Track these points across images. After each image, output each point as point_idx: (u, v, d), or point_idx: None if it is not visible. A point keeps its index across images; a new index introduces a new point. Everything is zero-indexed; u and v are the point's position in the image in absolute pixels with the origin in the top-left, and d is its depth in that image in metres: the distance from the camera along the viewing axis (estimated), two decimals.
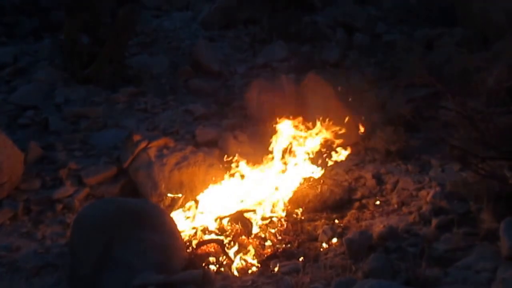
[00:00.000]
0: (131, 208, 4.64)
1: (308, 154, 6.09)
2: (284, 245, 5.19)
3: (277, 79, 7.94)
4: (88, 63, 8.36)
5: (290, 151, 6.10)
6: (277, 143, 6.13)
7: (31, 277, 4.68)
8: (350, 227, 5.45)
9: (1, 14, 10.18)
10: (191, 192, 6.05)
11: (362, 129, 6.55)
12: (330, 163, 6.22)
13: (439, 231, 5.04)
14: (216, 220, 5.37)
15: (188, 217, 5.53)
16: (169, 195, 6.11)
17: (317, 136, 6.12)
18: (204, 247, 5.01)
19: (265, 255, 5.03)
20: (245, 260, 4.96)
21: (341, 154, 6.23)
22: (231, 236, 5.18)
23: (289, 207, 5.77)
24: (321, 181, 6.01)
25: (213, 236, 5.16)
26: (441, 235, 4.97)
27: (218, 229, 5.27)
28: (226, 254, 4.96)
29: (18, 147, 6.27)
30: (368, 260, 4.48)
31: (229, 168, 6.16)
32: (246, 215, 5.39)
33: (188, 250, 4.89)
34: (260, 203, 5.67)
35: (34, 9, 10.36)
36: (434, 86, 5.79)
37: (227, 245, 5.06)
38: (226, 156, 6.36)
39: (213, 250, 5.01)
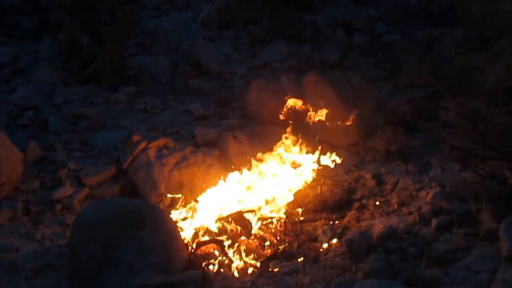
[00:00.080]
0: (131, 209, 4.63)
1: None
2: (284, 246, 5.18)
3: (277, 79, 7.93)
4: (88, 63, 8.36)
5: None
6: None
7: (31, 278, 4.67)
8: (350, 228, 5.44)
9: (0, 14, 10.18)
10: (190, 193, 6.05)
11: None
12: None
13: (439, 232, 5.03)
14: (216, 220, 5.36)
15: (188, 217, 5.52)
16: (168, 195, 6.11)
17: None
18: (203, 248, 5.00)
19: (265, 256, 5.02)
20: (244, 261, 4.95)
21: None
22: (231, 237, 5.17)
23: (288, 207, 5.76)
24: (321, 181, 6.00)
25: (213, 237, 5.16)
26: (441, 236, 4.97)
27: (218, 229, 5.26)
28: (226, 255, 4.95)
29: (18, 148, 6.27)
30: (368, 260, 4.48)
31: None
32: (246, 215, 5.39)
33: (187, 251, 4.89)
34: (259, 204, 5.66)
35: (34, 9, 10.36)
36: (434, 86, 5.80)
37: (226, 245, 5.05)
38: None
39: (212, 250, 5.01)
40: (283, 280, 4.44)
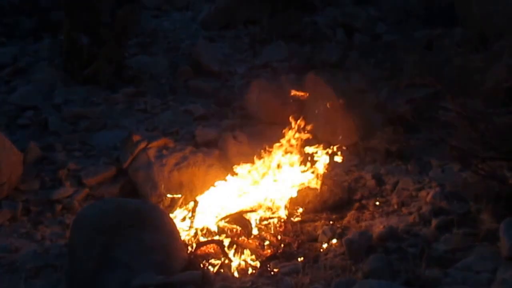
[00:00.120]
0: (131, 209, 4.63)
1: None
2: (283, 246, 5.18)
3: (277, 79, 7.93)
4: (88, 63, 8.36)
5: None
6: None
7: (30, 278, 4.67)
8: (350, 228, 5.44)
9: (0, 14, 10.18)
10: (190, 193, 6.05)
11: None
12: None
13: (439, 232, 5.03)
14: (215, 221, 5.36)
15: (187, 218, 5.52)
16: (168, 195, 6.11)
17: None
18: (203, 248, 5.00)
19: (265, 256, 5.02)
20: (244, 261, 4.95)
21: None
22: (231, 237, 5.17)
23: (288, 207, 5.76)
24: (321, 181, 6.00)
25: (212, 237, 5.16)
26: (441, 236, 4.97)
27: (218, 229, 5.26)
28: (226, 255, 4.95)
29: (18, 148, 6.27)
30: (368, 260, 4.48)
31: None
32: (246, 215, 5.39)
33: (187, 251, 4.89)
34: (259, 204, 5.66)
35: (34, 9, 10.36)
36: (434, 86, 5.79)
37: (226, 246, 5.05)
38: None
39: (212, 250, 5.01)
40: (283, 280, 4.44)
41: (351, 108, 6.93)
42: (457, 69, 5.53)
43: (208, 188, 5.95)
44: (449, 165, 6.16)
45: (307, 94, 6.42)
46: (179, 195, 6.03)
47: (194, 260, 4.79)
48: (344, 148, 6.32)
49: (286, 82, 7.78)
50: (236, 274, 4.79)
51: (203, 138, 7.11)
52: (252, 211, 5.49)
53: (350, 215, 5.67)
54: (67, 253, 4.75)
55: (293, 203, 5.81)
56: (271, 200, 5.71)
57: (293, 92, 6.45)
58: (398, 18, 10.44)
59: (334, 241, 5.19)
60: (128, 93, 8.20)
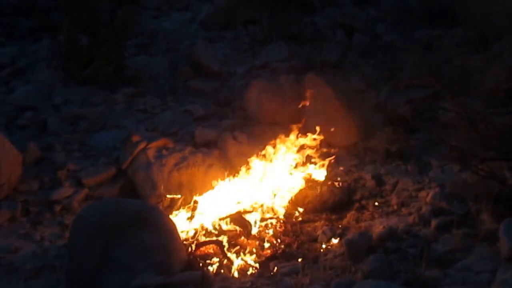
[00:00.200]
0: (130, 209, 4.63)
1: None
2: (283, 246, 5.18)
3: (277, 79, 7.92)
4: (87, 63, 8.35)
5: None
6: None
7: (30, 279, 4.67)
8: (349, 228, 5.43)
9: None
10: (190, 193, 6.04)
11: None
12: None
13: (439, 232, 5.02)
14: (215, 221, 5.36)
15: (187, 218, 5.52)
16: (168, 196, 6.11)
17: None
18: (203, 248, 5.01)
19: (265, 256, 5.02)
20: (244, 261, 4.95)
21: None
22: (231, 237, 5.16)
23: (288, 208, 5.76)
24: (321, 182, 6.00)
25: (212, 237, 5.15)
26: (440, 236, 4.96)
27: (218, 230, 5.26)
28: (225, 255, 4.95)
29: (17, 148, 6.26)
30: (368, 261, 4.47)
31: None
32: (246, 216, 5.38)
33: (187, 251, 4.88)
34: (259, 204, 5.66)
35: (33, 10, 10.35)
36: (434, 86, 5.78)
37: (226, 246, 5.05)
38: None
39: (212, 251, 5.01)
40: (282, 280, 4.44)
41: (351, 109, 6.93)
42: (457, 69, 5.52)
43: (207, 189, 5.95)
44: (449, 166, 6.16)
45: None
46: (179, 196, 6.03)
47: (194, 261, 4.79)
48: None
49: (286, 82, 7.78)
50: (235, 275, 4.79)
51: (202, 138, 7.10)
52: (252, 211, 5.48)
53: (350, 216, 5.66)
54: (66, 253, 4.75)
55: (293, 204, 5.81)
56: (271, 200, 5.71)
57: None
58: (397, 19, 10.42)
59: (334, 241, 5.19)
60: (127, 94, 8.20)
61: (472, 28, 7.83)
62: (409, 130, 6.73)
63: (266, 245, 5.18)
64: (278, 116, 6.79)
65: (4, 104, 7.80)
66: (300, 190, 5.89)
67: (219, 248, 5.00)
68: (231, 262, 4.91)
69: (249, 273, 4.81)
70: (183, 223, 5.40)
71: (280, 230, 5.42)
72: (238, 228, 5.24)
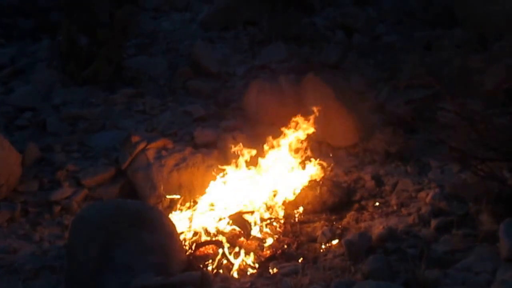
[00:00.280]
0: (130, 210, 4.62)
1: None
2: (283, 247, 5.17)
3: (276, 80, 7.92)
4: (87, 64, 8.35)
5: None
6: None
7: (29, 279, 4.66)
8: (349, 229, 5.44)
9: None
10: (189, 194, 6.04)
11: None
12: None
13: (439, 233, 5.03)
14: (215, 221, 5.36)
15: (186, 218, 5.51)
16: (167, 196, 6.10)
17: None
18: (202, 249, 5.00)
19: (264, 257, 5.02)
20: (244, 262, 4.95)
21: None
22: (230, 238, 5.16)
23: (288, 208, 5.76)
24: (321, 182, 5.99)
25: (212, 238, 5.15)
26: (440, 237, 4.96)
27: (217, 230, 5.25)
28: (225, 256, 4.94)
29: (16, 149, 6.26)
30: (367, 261, 4.47)
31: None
32: (245, 216, 5.38)
33: (187, 252, 4.88)
34: (259, 205, 5.65)
35: (33, 10, 10.35)
36: (433, 87, 5.78)
37: (226, 246, 5.04)
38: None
39: (211, 251, 5.00)
40: (282, 281, 4.43)
41: (350, 109, 6.93)
42: (456, 70, 5.54)
43: (207, 189, 5.94)
44: (449, 166, 6.16)
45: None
46: (178, 196, 6.02)
47: (193, 261, 4.79)
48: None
49: (285, 83, 7.78)
50: (235, 275, 4.78)
51: (202, 139, 7.10)
52: (251, 212, 5.48)
53: (350, 216, 5.66)
54: (66, 254, 4.74)
55: (292, 204, 5.81)
56: (271, 200, 5.71)
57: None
58: (397, 19, 10.43)
59: (334, 242, 5.19)
60: (127, 94, 8.19)
61: (472, 28, 7.84)
62: (408, 130, 6.74)
63: (266, 245, 5.17)
64: (277, 116, 6.77)
65: (4, 105, 7.79)
66: (300, 191, 5.88)
67: (219, 248, 4.99)
68: (230, 262, 4.91)
69: (248, 273, 4.81)
70: (183, 224, 5.39)
71: (280, 230, 5.42)
72: (237, 229, 5.23)
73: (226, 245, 5.05)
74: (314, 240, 5.29)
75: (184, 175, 6.36)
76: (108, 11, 8.71)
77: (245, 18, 10.54)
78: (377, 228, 5.22)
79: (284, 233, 5.39)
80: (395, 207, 5.75)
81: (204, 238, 5.16)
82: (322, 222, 5.61)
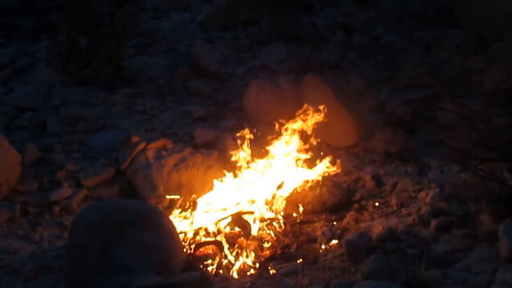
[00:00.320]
0: (130, 210, 4.62)
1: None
2: (283, 247, 5.17)
3: (276, 80, 7.92)
4: (87, 64, 8.34)
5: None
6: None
7: (29, 280, 4.65)
8: (349, 229, 5.43)
9: None
10: (189, 194, 6.03)
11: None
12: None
13: (438, 233, 5.02)
14: (214, 222, 5.35)
15: (186, 219, 5.51)
16: (167, 196, 6.10)
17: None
18: (202, 249, 5.00)
19: (264, 257, 5.01)
20: (243, 262, 4.94)
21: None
22: (230, 238, 5.16)
23: (288, 208, 5.75)
24: (320, 182, 5.99)
25: (211, 238, 5.15)
26: (440, 237, 4.96)
27: (217, 230, 5.25)
28: (225, 256, 4.94)
29: (16, 149, 6.25)
30: (367, 261, 4.47)
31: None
32: (245, 216, 5.38)
33: (186, 252, 4.87)
34: (259, 205, 5.65)
35: (33, 10, 10.34)
36: (433, 87, 5.78)
37: (225, 246, 5.04)
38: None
39: (211, 251, 5.00)
40: (282, 281, 4.43)
41: (350, 109, 6.93)
42: (456, 70, 5.54)
43: (207, 189, 5.94)
44: (449, 166, 6.16)
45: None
46: (178, 196, 6.02)
47: (193, 261, 4.78)
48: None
49: (285, 83, 7.78)
50: (235, 275, 4.78)
51: (202, 139, 7.10)
52: (251, 212, 5.48)
53: (349, 216, 5.66)
54: (65, 254, 4.73)
55: (292, 204, 5.80)
56: (270, 200, 5.70)
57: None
58: (397, 19, 10.44)
59: (333, 242, 5.18)
60: (127, 94, 8.19)
61: (472, 28, 7.85)
62: (408, 130, 6.74)
63: (266, 245, 5.17)
64: (277, 117, 6.77)
65: (3, 105, 7.79)
66: (300, 191, 5.88)
67: (218, 248, 4.99)
68: (230, 262, 4.90)
69: (248, 273, 4.80)
70: (183, 224, 5.39)
71: (280, 230, 5.42)
72: (237, 229, 5.23)
73: (226, 245, 5.05)
74: (314, 240, 5.29)
75: (184, 175, 6.36)
76: (108, 11, 8.70)
77: (245, 18, 10.53)
78: (377, 228, 5.22)
79: (284, 233, 5.39)
80: (395, 207, 5.75)
81: (204, 238, 5.15)
82: (322, 222, 5.61)
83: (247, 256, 4.99)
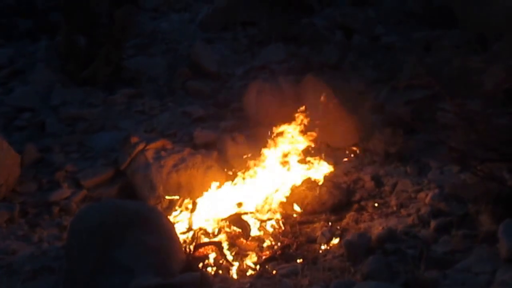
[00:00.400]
0: (129, 210, 4.61)
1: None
2: (282, 247, 5.16)
3: (276, 81, 7.92)
4: (86, 64, 8.34)
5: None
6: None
7: (28, 280, 4.65)
8: (348, 229, 5.43)
9: None
10: (189, 194, 6.03)
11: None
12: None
13: (438, 233, 5.02)
14: (214, 222, 5.35)
15: (186, 219, 5.50)
16: (167, 197, 6.09)
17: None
18: (202, 250, 4.99)
19: (264, 257, 5.01)
20: (243, 263, 4.94)
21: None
22: (229, 238, 5.15)
23: (287, 209, 5.75)
24: (320, 183, 5.99)
25: (211, 238, 5.14)
26: (440, 237, 4.96)
27: (217, 231, 5.24)
28: (224, 257, 4.94)
29: (15, 150, 6.26)
30: (367, 262, 4.46)
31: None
32: (245, 217, 5.37)
33: (186, 253, 4.87)
34: (258, 206, 5.65)
35: (32, 10, 10.34)
36: (433, 87, 5.77)
37: (225, 247, 5.04)
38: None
39: (211, 252, 4.99)
40: (281, 281, 4.43)
41: (350, 110, 6.92)
42: (456, 70, 5.52)
43: (206, 190, 5.94)
44: (448, 167, 6.15)
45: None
46: (178, 197, 6.01)
47: (193, 262, 4.78)
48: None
49: (284, 83, 7.77)
50: (234, 276, 4.78)
51: (201, 139, 7.10)
52: (251, 212, 5.47)
53: (349, 217, 5.66)
54: (64, 255, 4.72)
55: (292, 205, 5.80)
56: (270, 201, 5.70)
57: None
58: (397, 19, 10.42)
59: (333, 242, 5.18)
60: (126, 95, 8.19)
61: (471, 28, 7.84)
62: (408, 131, 6.73)
63: (265, 246, 5.16)
64: (277, 117, 6.77)
65: (2, 105, 7.79)
66: (299, 191, 5.87)
67: (218, 249, 4.98)
68: (230, 263, 4.90)
69: (248, 274, 4.80)
70: (182, 224, 5.38)
71: (279, 231, 5.42)
72: (237, 229, 5.22)
73: (226, 245, 5.04)
74: (313, 240, 5.29)
75: (183, 175, 6.36)
76: (108, 11, 8.70)
77: (245, 18, 10.53)
78: (377, 228, 5.22)
79: (284, 234, 5.39)
80: (394, 208, 5.74)
81: (203, 239, 5.15)
82: (322, 222, 5.60)
83: (246, 257, 4.99)
